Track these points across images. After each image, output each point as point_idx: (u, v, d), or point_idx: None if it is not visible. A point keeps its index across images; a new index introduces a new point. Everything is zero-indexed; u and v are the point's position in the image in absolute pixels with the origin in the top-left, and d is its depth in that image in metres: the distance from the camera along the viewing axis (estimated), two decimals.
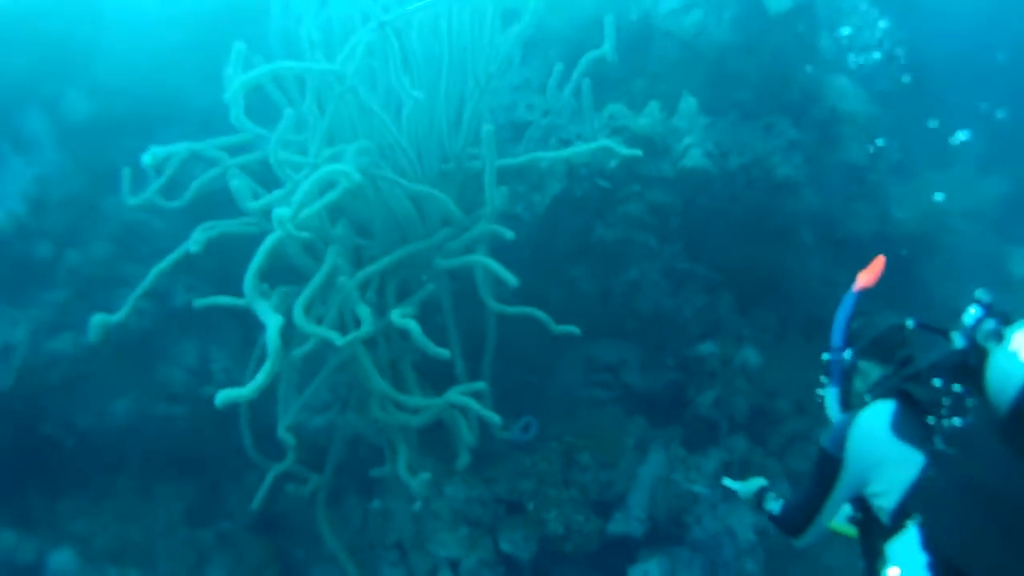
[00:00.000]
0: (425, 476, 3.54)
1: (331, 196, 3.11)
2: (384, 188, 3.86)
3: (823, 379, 2.38)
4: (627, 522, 4.93)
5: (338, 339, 3.12)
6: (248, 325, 4.29)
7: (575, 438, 5.26)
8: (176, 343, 4.71)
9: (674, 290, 4.93)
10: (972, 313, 2.00)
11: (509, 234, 3.76)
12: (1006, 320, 1.95)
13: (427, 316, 4.16)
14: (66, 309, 4.36)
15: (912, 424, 2.00)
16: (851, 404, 2.31)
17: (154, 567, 4.54)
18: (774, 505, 2.34)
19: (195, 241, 3.56)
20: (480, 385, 3.46)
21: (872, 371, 2.28)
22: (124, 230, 4.50)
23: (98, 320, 3.44)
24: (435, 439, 4.85)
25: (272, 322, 2.87)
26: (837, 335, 2.34)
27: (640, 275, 4.80)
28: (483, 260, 3.72)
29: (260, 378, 2.74)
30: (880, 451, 2.02)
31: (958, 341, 2.03)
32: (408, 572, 5.06)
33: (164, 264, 3.64)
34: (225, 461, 4.88)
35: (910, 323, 2.24)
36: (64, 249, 4.38)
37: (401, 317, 3.29)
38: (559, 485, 5.23)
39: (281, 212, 2.87)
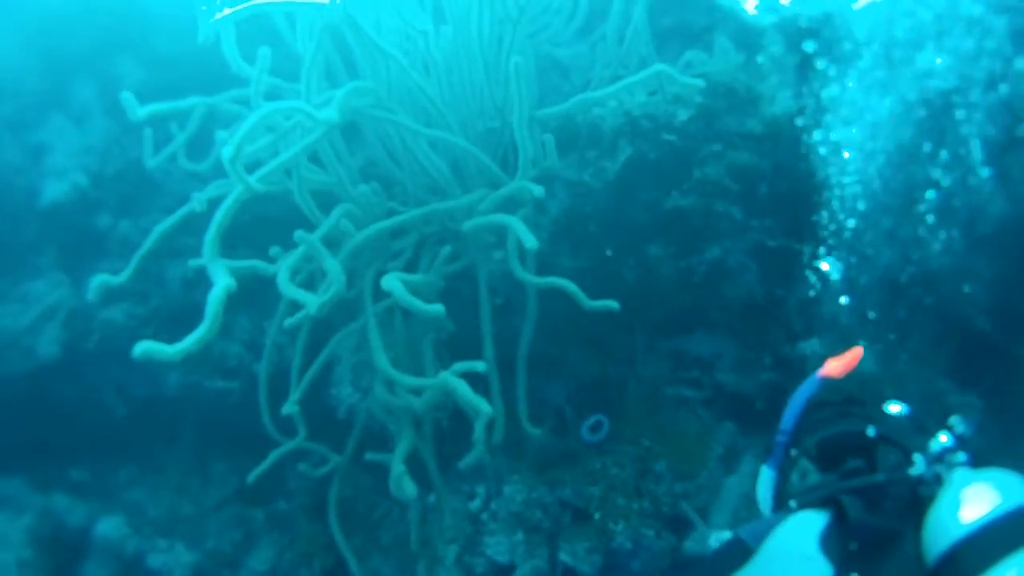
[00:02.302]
0: (411, 488, 3.04)
1: (301, 145, 2.74)
2: (408, 141, 3.48)
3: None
4: (704, 542, 4.22)
5: (313, 301, 2.75)
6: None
7: (653, 442, 4.64)
8: (231, 318, 4.58)
9: (767, 274, 4.18)
10: (942, 441, 1.84)
11: (538, 190, 3.20)
12: (972, 459, 1.77)
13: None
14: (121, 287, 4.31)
15: (838, 541, 1.72)
16: (785, 497, 2.06)
17: (202, 542, 4.42)
18: None
19: (198, 200, 3.36)
20: (479, 365, 2.95)
21: (811, 474, 2.02)
22: (177, 202, 4.38)
23: (98, 281, 3.32)
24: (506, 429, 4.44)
25: (220, 283, 2.55)
26: (788, 420, 2.11)
27: (724, 254, 4.05)
28: (502, 218, 3.19)
29: (188, 341, 2.43)
30: (799, 566, 1.72)
31: (919, 466, 1.82)
32: (463, 573, 4.66)
33: (167, 224, 3.47)
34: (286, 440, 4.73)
35: (871, 432, 1.97)
36: (119, 220, 4.37)
37: (393, 279, 2.86)
38: (630, 494, 4.61)
39: (225, 151, 2.55)
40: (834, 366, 2.21)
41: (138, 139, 4.12)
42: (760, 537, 1.83)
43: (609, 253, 4.09)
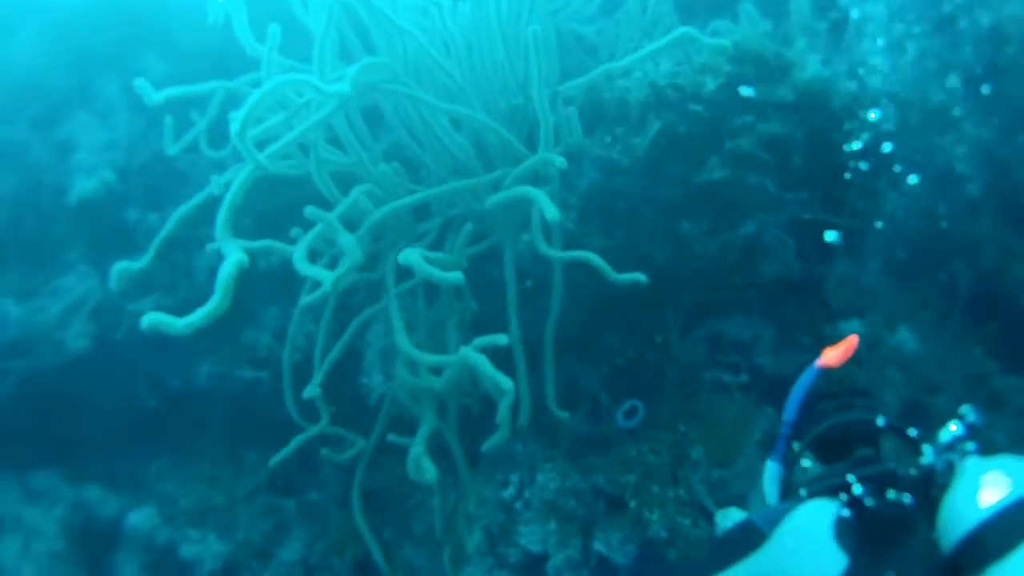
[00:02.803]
0: (432, 471, 2.95)
1: (313, 119, 2.68)
2: (429, 120, 3.41)
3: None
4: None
5: (327, 277, 2.69)
6: (344, 292, 4.03)
7: (690, 428, 4.48)
8: (261, 307, 4.56)
9: (804, 250, 4.00)
10: (952, 430, 1.83)
11: (560, 161, 3.08)
12: (985, 447, 1.76)
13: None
14: (148, 272, 4.31)
15: (851, 529, 1.72)
16: (792, 488, 2.03)
17: (233, 533, 4.38)
18: None
19: (216, 184, 3.33)
20: (501, 338, 2.84)
21: (814, 468, 2.00)
22: (208, 195, 4.42)
23: (119, 267, 3.31)
24: (536, 414, 4.35)
25: (232, 258, 2.49)
26: (789, 412, 2.11)
27: (759, 229, 3.88)
28: (524, 190, 3.06)
29: (198, 315, 2.37)
30: (812, 552, 1.70)
31: (928, 456, 1.83)
32: (497, 563, 4.57)
33: (185, 208, 3.45)
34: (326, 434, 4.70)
35: (881, 421, 1.98)
36: (147, 213, 4.38)
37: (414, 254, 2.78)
38: (666, 482, 4.46)
39: (232, 127, 2.50)
40: (832, 355, 2.19)
41: (163, 132, 4.13)
42: (773, 522, 1.79)
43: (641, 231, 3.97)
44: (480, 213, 3.72)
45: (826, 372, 2.16)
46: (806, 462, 2.04)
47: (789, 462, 2.09)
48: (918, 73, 3.58)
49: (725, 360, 4.51)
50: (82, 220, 4.35)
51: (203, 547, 4.24)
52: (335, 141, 3.54)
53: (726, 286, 4.14)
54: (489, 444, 3.04)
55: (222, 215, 2.59)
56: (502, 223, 3.61)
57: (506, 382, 2.61)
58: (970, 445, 1.81)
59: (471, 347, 2.73)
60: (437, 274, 2.65)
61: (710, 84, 3.51)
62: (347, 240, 2.63)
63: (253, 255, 4.44)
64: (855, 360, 4.02)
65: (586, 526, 4.31)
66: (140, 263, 3.41)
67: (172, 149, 3.62)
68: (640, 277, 3.16)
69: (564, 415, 3.65)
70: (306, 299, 3.27)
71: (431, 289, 3.58)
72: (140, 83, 3.06)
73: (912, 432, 1.95)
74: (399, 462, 4.32)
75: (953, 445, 1.83)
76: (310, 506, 4.57)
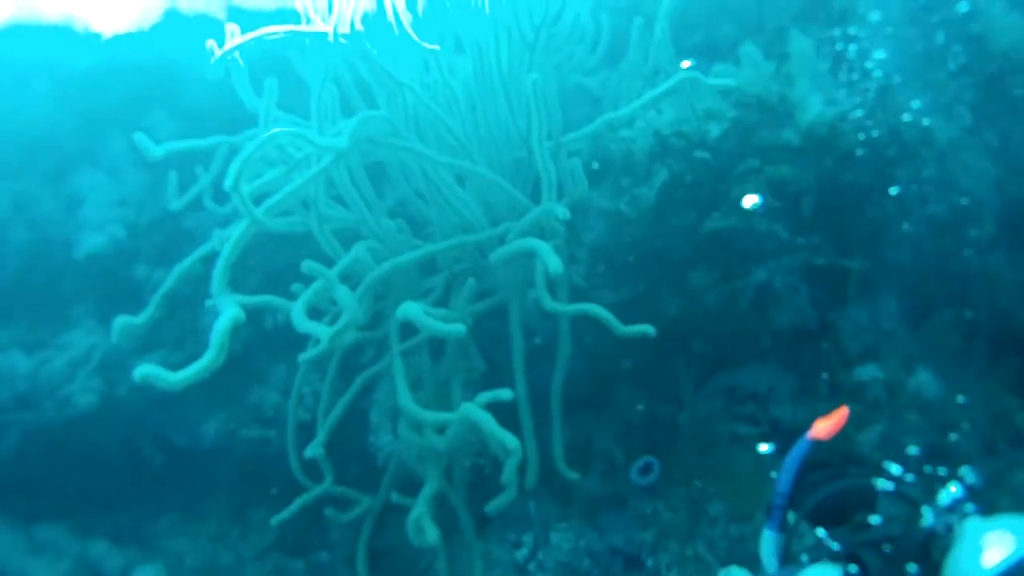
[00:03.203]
0: (433, 533, 2.85)
1: (311, 172, 2.66)
2: (433, 176, 3.38)
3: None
4: None
5: (325, 333, 2.64)
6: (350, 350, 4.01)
7: (706, 483, 4.34)
8: (268, 366, 4.53)
9: (818, 296, 3.90)
10: (952, 492, 1.87)
11: (562, 211, 3.04)
12: (985, 508, 1.80)
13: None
14: (155, 328, 4.30)
15: None
16: (791, 556, 2.05)
17: None
18: None
19: (219, 239, 3.32)
20: (505, 393, 2.76)
21: (808, 535, 2.01)
22: (211, 250, 4.42)
23: (121, 322, 3.29)
24: (552, 474, 4.24)
25: (227, 314, 2.47)
26: (784, 483, 2.11)
27: (770, 276, 3.78)
28: (527, 242, 3.02)
29: (191, 370, 2.34)
30: None
31: (928, 518, 1.85)
32: None
33: (185, 264, 3.43)
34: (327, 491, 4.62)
35: (880, 485, 2.02)
36: (155, 269, 4.36)
37: (417, 311, 2.72)
38: (684, 539, 4.31)
39: (227, 180, 2.48)
40: (822, 427, 2.19)
41: (177, 197, 4.15)
42: None
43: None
44: (486, 269, 3.68)
45: (816, 444, 2.16)
46: (805, 530, 2.04)
47: (787, 530, 2.10)
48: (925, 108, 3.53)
49: (741, 411, 4.40)
50: (90, 275, 4.36)
51: None
52: (340, 199, 3.54)
53: (739, 336, 4.05)
54: (494, 505, 2.94)
55: (218, 271, 2.57)
56: (507, 279, 3.56)
57: (511, 440, 2.53)
58: (969, 506, 1.84)
59: (474, 403, 2.66)
60: (438, 326, 2.60)
61: (714, 131, 3.46)
62: (345, 296, 2.59)
63: (261, 314, 4.48)
64: (874, 407, 3.97)
65: None
66: (141, 318, 3.38)
67: (176, 204, 3.63)
68: (648, 329, 3.08)
69: (574, 475, 3.54)
70: (305, 355, 3.23)
71: (437, 348, 3.53)
72: (139, 137, 3.07)
73: (911, 494, 1.97)
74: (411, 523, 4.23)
75: (953, 507, 1.85)
76: (319, 566, 4.46)
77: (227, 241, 2.61)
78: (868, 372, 3.92)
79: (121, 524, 4.40)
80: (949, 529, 1.80)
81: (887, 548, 1.80)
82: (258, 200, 2.83)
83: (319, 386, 4.37)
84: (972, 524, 1.77)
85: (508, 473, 2.83)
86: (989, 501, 1.87)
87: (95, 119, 4.32)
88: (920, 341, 3.98)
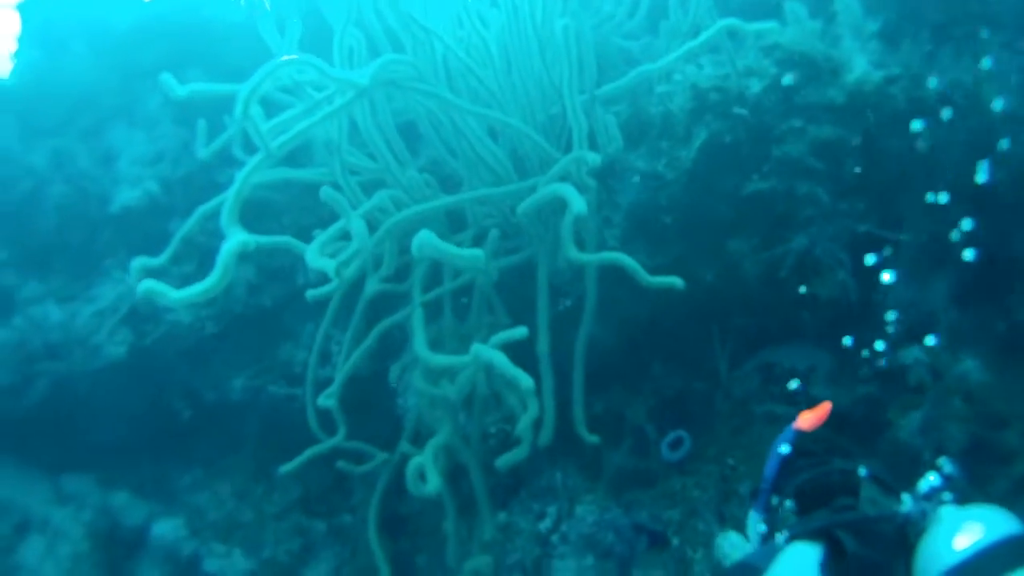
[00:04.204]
0: (435, 481, 2.76)
1: (332, 108, 2.60)
2: (463, 128, 3.31)
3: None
4: None
5: (331, 268, 2.59)
6: (376, 308, 3.96)
7: (739, 462, 4.19)
8: (299, 324, 4.52)
9: (860, 269, 3.70)
10: (930, 480, 1.96)
11: (593, 158, 2.94)
12: (963, 497, 1.89)
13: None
14: (188, 281, 4.34)
15: (834, 572, 1.84)
16: (772, 537, 2.14)
17: (259, 550, 4.27)
18: None
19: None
20: (520, 331, 2.66)
21: (790, 517, 2.12)
22: (243, 206, 4.44)
23: (138, 263, 3.30)
24: (581, 446, 4.13)
25: (235, 237, 2.42)
26: (769, 469, 2.24)
27: (811, 243, 3.61)
28: (553, 188, 2.90)
29: (194, 290, 2.30)
30: None
31: (906, 504, 1.94)
32: None
33: (208, 207, 3.41)
34: (354, 452, 4.61)
35: (863, 471, 2.08)
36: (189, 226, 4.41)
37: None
38: (712, 519, 4.17)
39: (236, 110, 2.45)
40: (806, 418, 2.32)
41: (205, 146, 4.17)
42: (767, 558, 1.93)
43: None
44: (516, 228, 3.61)
45: (800, 434, 2.29)
46: (787, 511, 2.15)
47: (770, 511, 2.21)
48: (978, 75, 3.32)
49: (778, 391, 4.24)
50: (124, 229, 4.41)
51: (227, 562, 4.15)
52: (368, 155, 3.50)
53: (778, 309, 3.89)
54: (504, 460, 2.85)
55: (228, 202, 2.54)
56: (536, 234, 3.48)
57: (525, 380, 2.43)
58: (946, 495, 1.93)
59: (489, 344, 2.57)
60: (454, 252, 2.51)
61: (755, 86, 3.32)
62: (358, 224, 2.54)
63: (293, 272, 4.48)
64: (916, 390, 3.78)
65: (624, 563, 4.06)
66: (160, 259, 3.40)
67: (204, 152, 3.64)
68: (676, 281, 2.97)
69: (594, 439, 3.44)
70: (311, 292, 3.18)
71: (461, 305, 3.47)
72: (165, 78, 3.07)
73: (891, 482, 2.06)
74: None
75: (931, 495, 1.94)
76: (341, 529, 4.44)
77: (240, 174, 2.58)
78: (912, 354, 3.73)
79: (145, 477, 4.44)
80: (924, 515, 1.89)
81: (864, 529, 1.89)
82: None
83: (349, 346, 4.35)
84: (947, 511, 1.87)
85: (523, 425, 2.75)
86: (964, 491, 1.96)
87: (133, 77, 4.37)
88: (968, 325, 3.77)
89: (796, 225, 3.57)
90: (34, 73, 4.60)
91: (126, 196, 4.29)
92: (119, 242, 4.40)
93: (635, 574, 3.97)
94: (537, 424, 2.89)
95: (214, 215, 4.31)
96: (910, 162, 3.49)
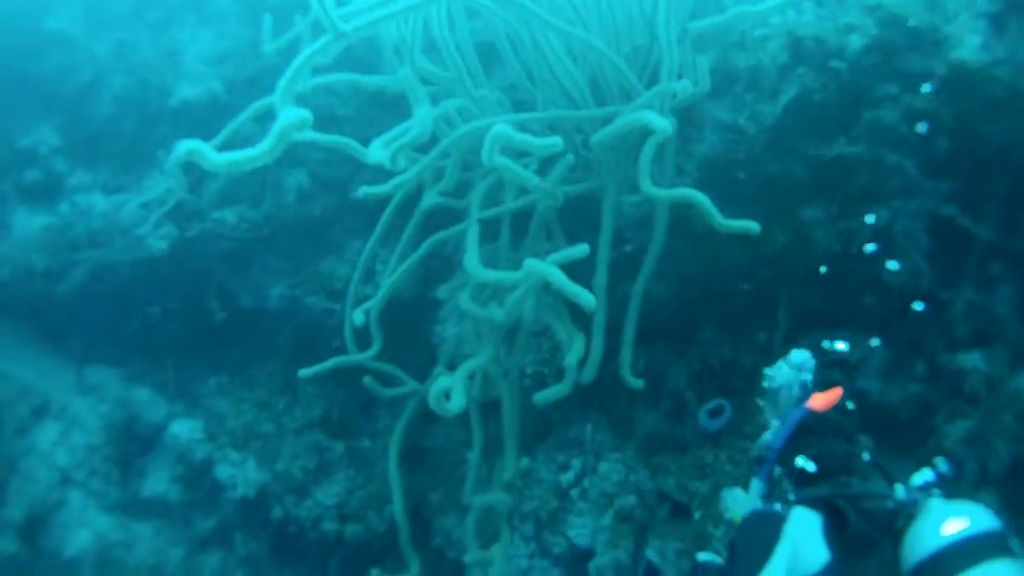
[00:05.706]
0: (459, 400, 2.63)
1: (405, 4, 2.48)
2: (542, 44, 3.16)
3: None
4: None
5: (387, 160, 2.48)
6: (424, 227, 3.87)
7: None
8: (346, 239, 4.42)
9: (937, 253, 3.51)
10: (925, 475, 2.15)
11: (684, 86, 2.79)
12: (952, 494, 2.09)
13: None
14: (239, 182, 4.28)
15: (834, 537, 2.06)
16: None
17: (273, 463, 4.23)
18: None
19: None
20: (581, 249, 2.50)
21: (790, 488, 2.28)
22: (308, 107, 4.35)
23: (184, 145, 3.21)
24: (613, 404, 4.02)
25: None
26: (778, 440, 2.35)
27: (891, 217, 3.39)
28: (634, 115, 2.73)
29: (241, 155, 2.19)
30: (808, 543, 2.07)
31: (900, 492, 2.13)
32: (539, 550, 4.23)
33: (263, 102, 3.31)
34: (385, 375, 4.52)
35: (866, 456, 2.28)
36: (245, 123, 4.34)
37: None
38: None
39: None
40: (818, 400, 2.42)
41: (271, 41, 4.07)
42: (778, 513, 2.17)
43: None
44: (585, 160, 3.48)
45: (811, 414, 2.38)
46: (787, 483, 2.30)
47: (771, 481, 2.35)
48: None
49: (828, 377, 4.07)
50: (181, 124, 4.32)
51: (240, 471, 4.10)
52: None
53: (844, 286, 3.72)
54: (543, 395, 2.74)
55: (285, 80, 2.44)
56: (608, 168, 3.34)
57: (587, 297, 2.30)
58: (936, 491, 2.12)
59: (547, 261, 2.45)
60: (530, 140, 2.39)
61: (855, 43, 3.14)
62: (423, 112, 2.43)
63: (347, 185, 4.37)
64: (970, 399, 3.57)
65: (642, 529, 3.95)
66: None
67: (269, 47, 3.55)
68: (752, 226, 2.82)
69: (638, 384, 3.32)
70: (367, 189, 3.07)
71: (519, 228, 3.35)
72: None
73: (889, 471, 2.24)
74: (459, 426, 4.09)
75: (923, 488, 2.13)
76: (359, 452, 4.36)
77: (303, 52, 2.47)
78: (971, 360, 3.55)
79: (170, 377, 4.41)
80: (916, 504, 2.09)
81: (862, 505, 2.09)
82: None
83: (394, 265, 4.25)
84: (936, 503, 2.07)
85: (571, 357, 2.63)
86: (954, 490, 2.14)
87: None
88: None
89: (878, 197, 3.39)
90: None
91: (187, 92, 4.22)
92: (174, 137, 4.30)
93: (651, 542, 3.86)
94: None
95: (272, 114, 4.26)
96: (1000, 151, 3.31)
